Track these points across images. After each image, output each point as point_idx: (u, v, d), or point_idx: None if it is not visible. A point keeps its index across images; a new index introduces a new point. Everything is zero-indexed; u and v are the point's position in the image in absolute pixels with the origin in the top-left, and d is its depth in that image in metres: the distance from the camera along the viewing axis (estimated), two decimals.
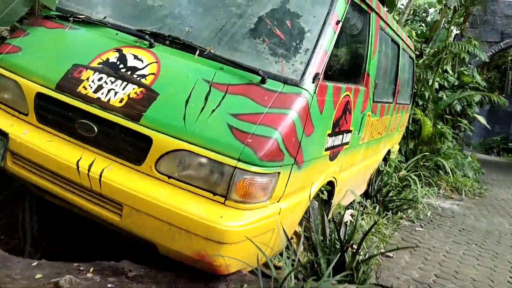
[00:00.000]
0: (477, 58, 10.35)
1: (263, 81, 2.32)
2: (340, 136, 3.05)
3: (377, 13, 3.55)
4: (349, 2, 2.79)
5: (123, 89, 2.34)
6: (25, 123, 2.51)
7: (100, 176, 2.20)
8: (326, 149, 2.81)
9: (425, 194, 6.28)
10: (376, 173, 5.29)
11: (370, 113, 3.73)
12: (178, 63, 2.45)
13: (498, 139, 17.17)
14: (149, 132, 2.21)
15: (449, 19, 10.89)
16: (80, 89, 2.37)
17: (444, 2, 8.47)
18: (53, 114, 2.44)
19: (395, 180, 5.92)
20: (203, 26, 2.65)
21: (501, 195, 8.12)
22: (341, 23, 2.65)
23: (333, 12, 2.63)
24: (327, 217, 3.13)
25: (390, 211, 4.99)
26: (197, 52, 2.44)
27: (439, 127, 8.54)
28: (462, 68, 9.73)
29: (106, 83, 2.38)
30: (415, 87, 8.52)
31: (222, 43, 2.54)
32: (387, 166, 5.83)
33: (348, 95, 3.00)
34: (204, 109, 2.24)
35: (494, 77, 19.29)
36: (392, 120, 5.07)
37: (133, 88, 2.34)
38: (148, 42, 2.51)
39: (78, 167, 2.24)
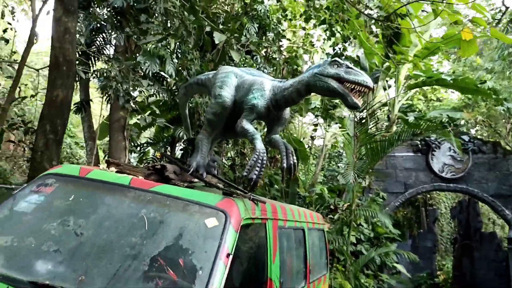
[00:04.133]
0: (387, 209, 11.11)
1: None
2: None
3: (273, 219, 3.81)
4: (239, 230, 2.99)
5: None
6: None
7: None
8: None
9: None
10: None
11: None
12: None
13: (424, 275, 17.66)
14: None
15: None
16: None
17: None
18: None
19: None
20: (98, 271, 2.69)
21: None
22: (231, 256, 2.80)
23: (223, 246, 2.80)
24: None
25: None
26: None
27: (362, 280, 8.74)
28: (375, 219, 10.32)
29: None
30: (335, 243, 8.88)
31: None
32: None
33: None
34: None
35: (410, 213, 20.56)
36: None
37: None
38: None
39: None
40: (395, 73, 12.30)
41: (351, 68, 3.29)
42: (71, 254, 2.81)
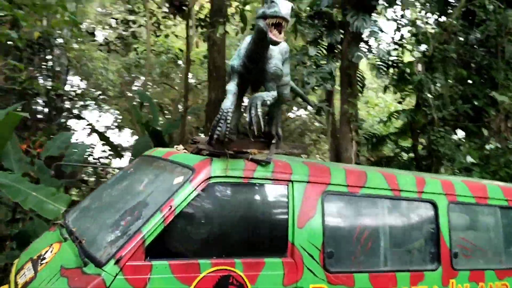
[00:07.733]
0: None
1: (85, 264, 2.89)
2: None
3: (308, 182, 3.54)
4: (202, 186, 3.12)
5: (29, 275, 3.29)
6: None
7: None
8: None
9: None
10: None
11: (323, 285, 3.43)
12: (63, 251, 3.27)
13: None
14: None
15: None
16: (17, 276, 3.44)
17: None
18: None
19: None
20: (97, 221, 3.45)
21: None
22: (174, 209, 2.99)
23: (171, 199, 3.03)
24: None
25: None
26: (76, 243, 3.23)
27: None
28: None
29: (27, 270, 3.38)
30: None
31: (94, 233, 3.26)
32: None
33: (225, 269, 3.08)
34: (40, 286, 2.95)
35: None
36: None
37: (32, 274, 3.26)
38: (63, 238, 3.45)
39: None
40: None
41: (273, 1, 2.91)
42: (94, 211, 3.70)
